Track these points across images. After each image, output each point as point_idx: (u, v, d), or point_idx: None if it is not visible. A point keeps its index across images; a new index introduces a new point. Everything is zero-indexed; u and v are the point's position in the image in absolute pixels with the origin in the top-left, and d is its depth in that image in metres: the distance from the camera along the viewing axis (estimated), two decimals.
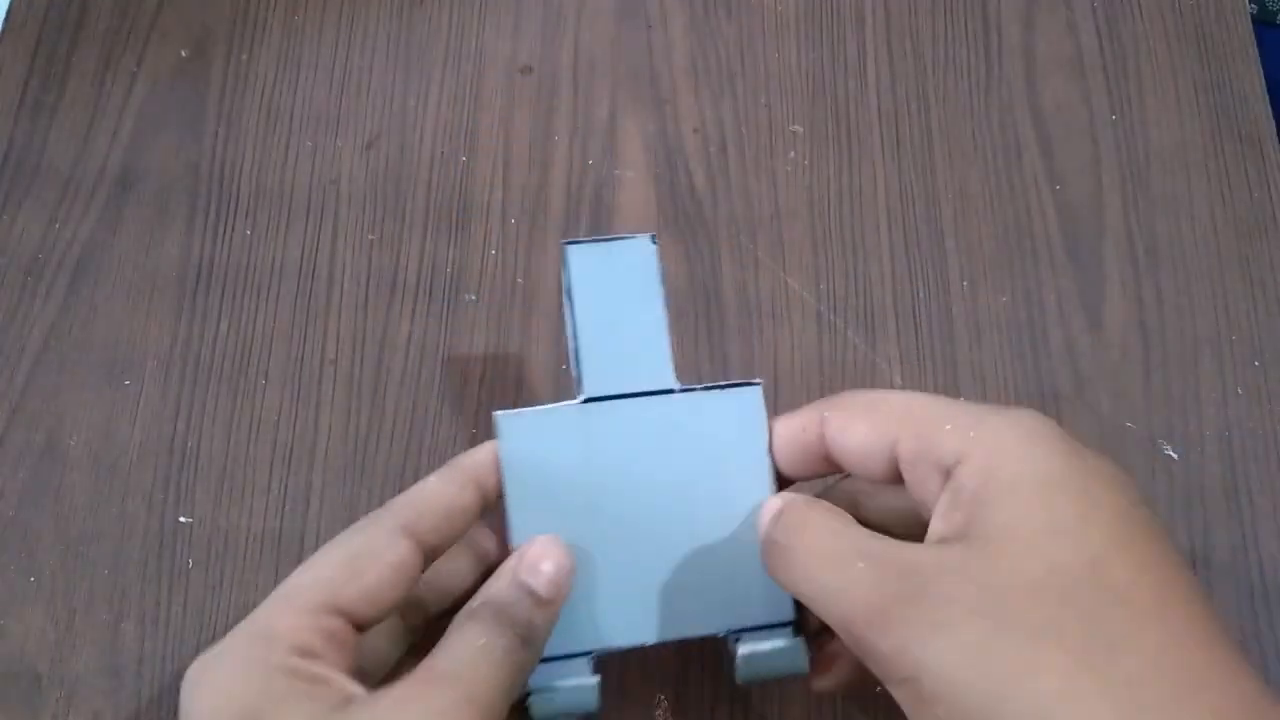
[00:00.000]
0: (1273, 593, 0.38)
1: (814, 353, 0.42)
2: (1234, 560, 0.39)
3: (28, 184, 0.42)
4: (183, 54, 0.46)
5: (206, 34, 0.46)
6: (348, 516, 0.37)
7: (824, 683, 0.32)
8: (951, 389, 0.41)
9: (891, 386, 0.41)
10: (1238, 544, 0.39)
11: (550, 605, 0.29)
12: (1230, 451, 0.41)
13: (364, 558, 0.28)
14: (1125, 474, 0.27)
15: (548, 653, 0.30)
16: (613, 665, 0.35)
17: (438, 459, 0.38)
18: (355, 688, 0.26)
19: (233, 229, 0.42)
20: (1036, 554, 0.25)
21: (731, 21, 0.49)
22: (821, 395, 0.40)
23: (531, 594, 0.28)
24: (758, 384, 0.33)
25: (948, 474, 0.27)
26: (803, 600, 0.28)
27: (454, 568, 0.31)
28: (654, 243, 0.33)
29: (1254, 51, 0.49)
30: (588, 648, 0.31)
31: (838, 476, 0.33)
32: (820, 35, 0.49)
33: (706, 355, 0.41)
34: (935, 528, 0.27)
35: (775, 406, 0.40)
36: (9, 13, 0.46)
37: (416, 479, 0.37)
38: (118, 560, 0.36)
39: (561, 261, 0.34)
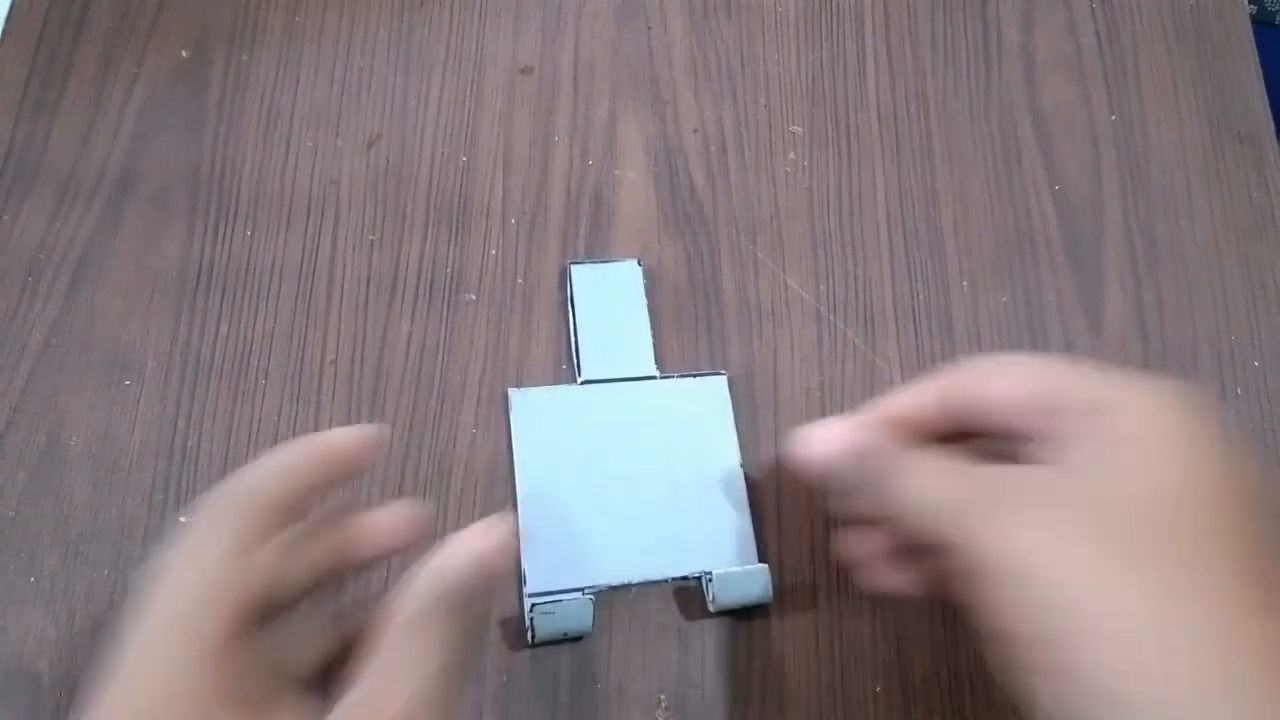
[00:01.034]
0: None
1: (814, 353, 0.42)
2: None
3: (28, 184, 0.42)
4: (183, 54, 0.46)
5: (207, 34, 0.46)
6: None
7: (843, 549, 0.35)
8: None
9: (891, 388, 0.41)
10: None
11: (479, 576, 0.27)
12: None
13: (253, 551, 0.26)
14: (1253, 463, 0.29)
15: (551, 586, 0.35)
16: (613, 665, 0.36)
17: (438, 459, 0.38)
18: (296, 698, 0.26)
19: (233, 229, 0.42)
20: (1111, 482, 0.27)
21: (731, 22, 0.49)
22: (822, 396, 0.41)
23: (458, 587, 0.27)
24: (723, 374, 0.40)
25: (1082, 421, 0.29)
26: (904, 514, 0.31)
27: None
28: (639, 265, 0.42)
29: (1253, 52, 0.49)
30: (582, 584, 0.35)
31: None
32: (820, 36, 0.49)
33: (706, 355, 0.41)
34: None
35: (775, 407, 0.41)
36: (10, 12, 0.46)
37: (416, 479, 0.38)
38: (118, 560, 0.36)
39: (567, 278, 0.41)
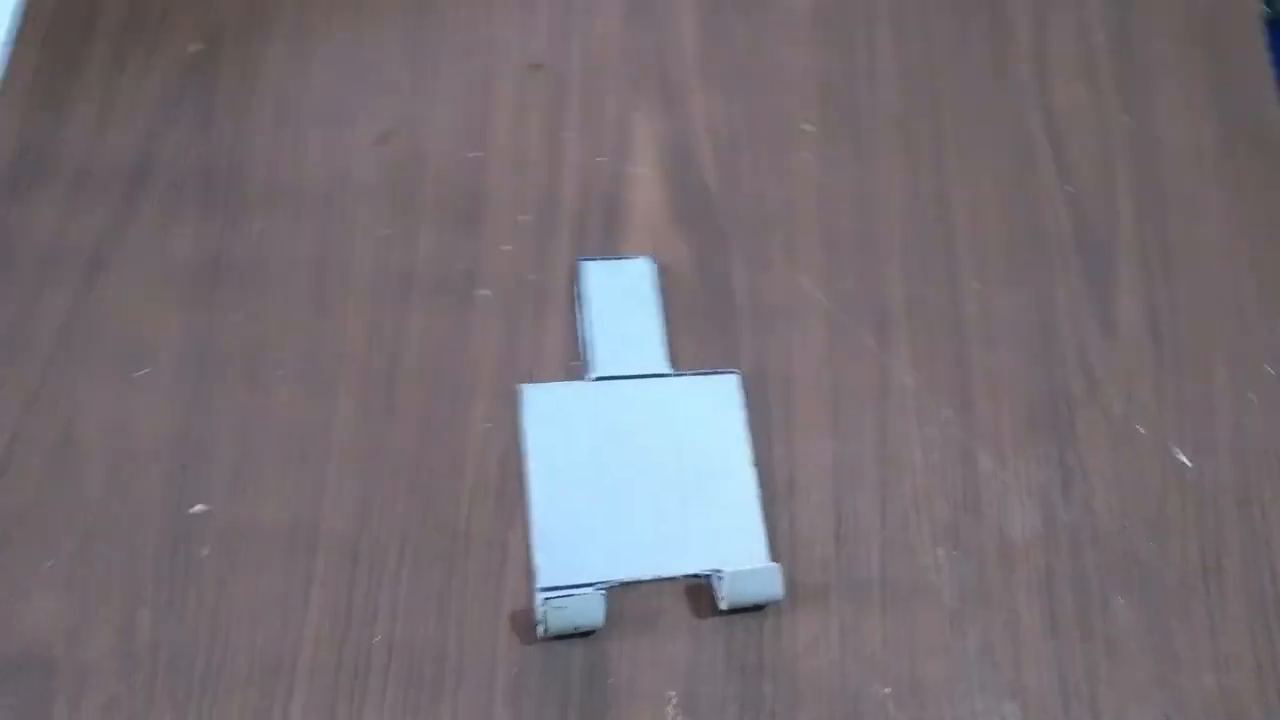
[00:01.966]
0: None
1: (825, 352, 0.42)
2: (1246, 567, 0.39)
3: (41, 179, 0.42)
4: (194, 48, 0.46)
5: (218, 28, 0.46)
6: (360, 509, 0.37)
7: None
8: (963, 390, 0.41)
9: (902, 386, 0.41)
10: (1249, 550, 0.39)
11: None
12: (1243, 457, 0.41)
13: None
14: None
15: (563, 581, 0.35)
16: (624, 661, 0.36)
17: (449, 453, 0.39)
18: None
19: (245, 223, 0.42)
20: None
21: (743, 20, 0.49)
22: (834, 395, 0.41)
23: None
24: (735, 372, 0.40)
25: None
26: None
27: None
28: (653, 262, 0.42)
29: (1265, 53, 0.49)
30: (593, 579, 0.36)
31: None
32: (832, 34, 0.49)
33: (719, 354, 0.41)
34: None
35: (787, 407, 0.41)
36: (21, 9, 0.46)
37: (429, 472, 0.38)
38: (133, 549, 0.36)
39: (576, 274, 0.41)
